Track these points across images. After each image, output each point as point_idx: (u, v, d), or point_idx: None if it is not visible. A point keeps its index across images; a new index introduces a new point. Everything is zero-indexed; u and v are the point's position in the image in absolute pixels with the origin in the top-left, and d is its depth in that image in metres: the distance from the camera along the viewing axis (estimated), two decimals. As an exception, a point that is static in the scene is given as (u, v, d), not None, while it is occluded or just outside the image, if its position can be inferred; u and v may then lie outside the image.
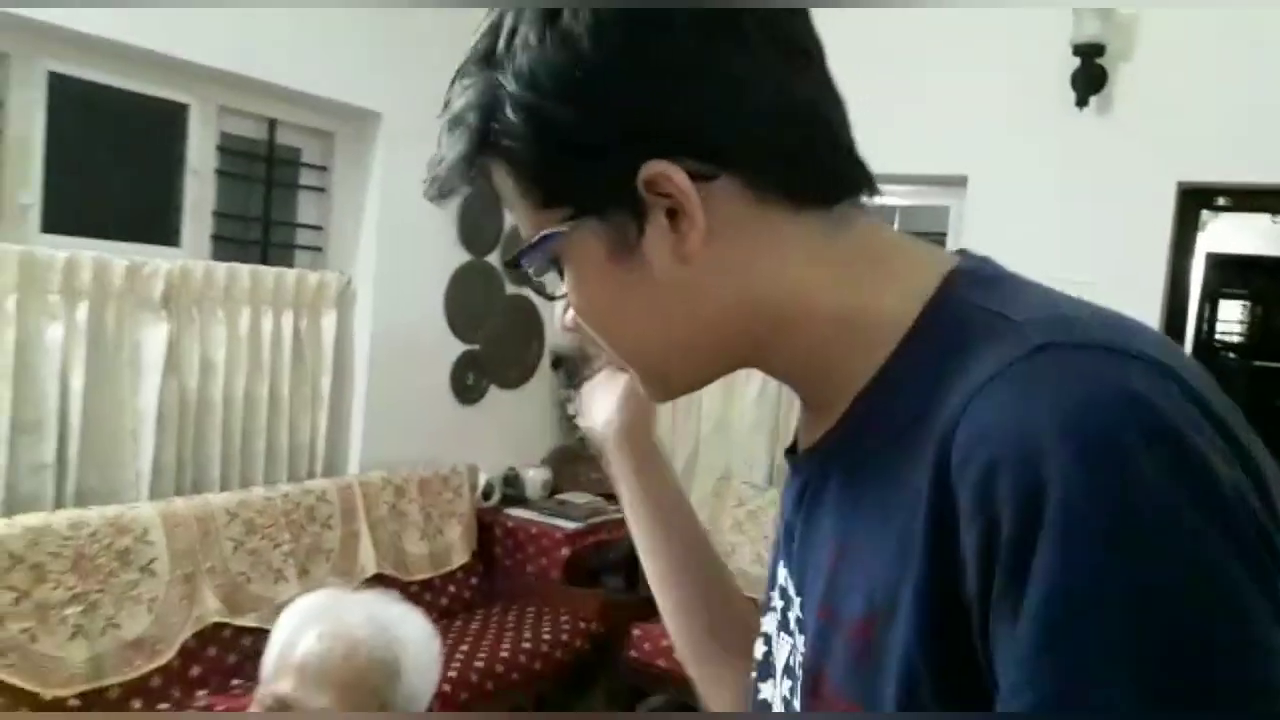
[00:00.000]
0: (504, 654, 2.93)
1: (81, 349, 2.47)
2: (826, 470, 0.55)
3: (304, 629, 1.13)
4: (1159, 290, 3.11)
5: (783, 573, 0.60)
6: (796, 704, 0.56)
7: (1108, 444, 0.40)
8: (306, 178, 3.19)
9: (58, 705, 2.18)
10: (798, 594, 0.58)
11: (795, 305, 0.53)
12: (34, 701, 2.14)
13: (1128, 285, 2.87)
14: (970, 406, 0.43)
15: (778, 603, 0.61)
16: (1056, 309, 0.48)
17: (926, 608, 0.44)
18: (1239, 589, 0.39)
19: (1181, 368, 0.44)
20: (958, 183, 3.36)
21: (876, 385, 0.51)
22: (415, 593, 3.09)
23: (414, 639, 1.16)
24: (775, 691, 0.60)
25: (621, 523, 3.32)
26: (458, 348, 3.59)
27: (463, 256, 3.54)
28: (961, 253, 0.55)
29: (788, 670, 0.58)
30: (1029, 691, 0.40)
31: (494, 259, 3.65)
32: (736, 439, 3.78)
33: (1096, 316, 0.47)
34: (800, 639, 0.56)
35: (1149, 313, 3.20)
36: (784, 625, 0.59)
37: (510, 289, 3.76)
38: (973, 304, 0.49)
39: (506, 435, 3.82)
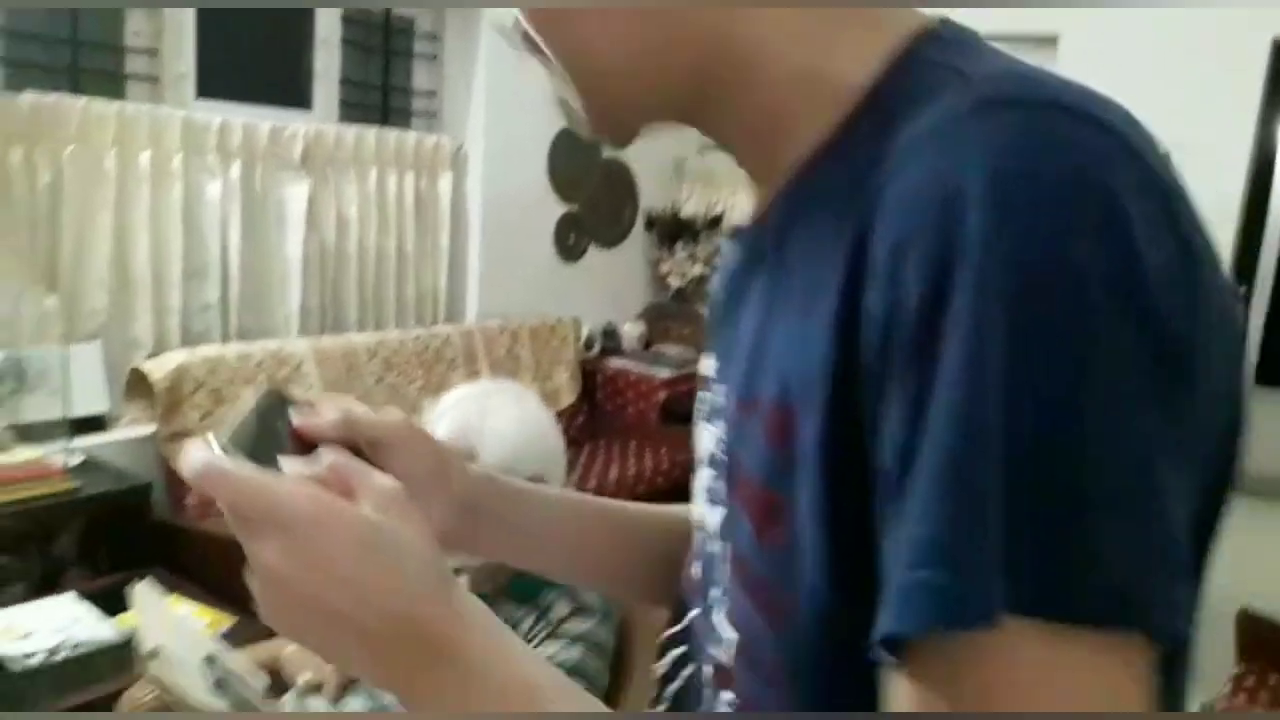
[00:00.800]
0: (612, 478, 3.26)
1: (237, 204, 2.77)
2: (760, 246, 0.50)
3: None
4: (1245, 154, 3.15)
5: (709, 360, 0.56)
6: (719, 492, 0.52)
7: (1030, 203, 0.35)
8: (420, 46, 3.40)
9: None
10: (719, 379, 0.53)
11: (758, 53, 0.47)
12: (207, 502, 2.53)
13: (1214, 149, 2.92)
14: (898, 166, 0.39)
15: (703, 392, 0.57)
16: (1018, 66, 0.43)
17: (832, 393, 0.40)
18: (1130, 402, 0.35)
19: (1149, 148, 0.39)
20: (1048, 43, 3.40)
21: (823, 151, 0.46)
22: (528, 429, 3.43)
23: (503, 422, 1.30)
24: (700, 484, 0.56)
25: None
26: (560, 209, 3.82)
27: (562, 122, 3.73)
28: (944, 21, 0.48)
29: (711, 460, 0.53)
30: (909, 481, 0.36)
31: (592, 123, 3.83)
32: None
33: (1067, 84, 0.40)
34: (721, 426, 0.52)
35: (1235, 176, 3.25)
36: (707, 414, 0.55)
37: (607, 153, 3.96)
38: (932, 61, 0.44)
39: (604, 292, 4.08)
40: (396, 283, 3.27)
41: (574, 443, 3.58)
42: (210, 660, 1.29)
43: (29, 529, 2.26)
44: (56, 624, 1.94)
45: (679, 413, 3.79)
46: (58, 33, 2.48)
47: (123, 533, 2.34)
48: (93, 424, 2.50)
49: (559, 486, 1.38)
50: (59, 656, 1.84)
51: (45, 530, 2.30)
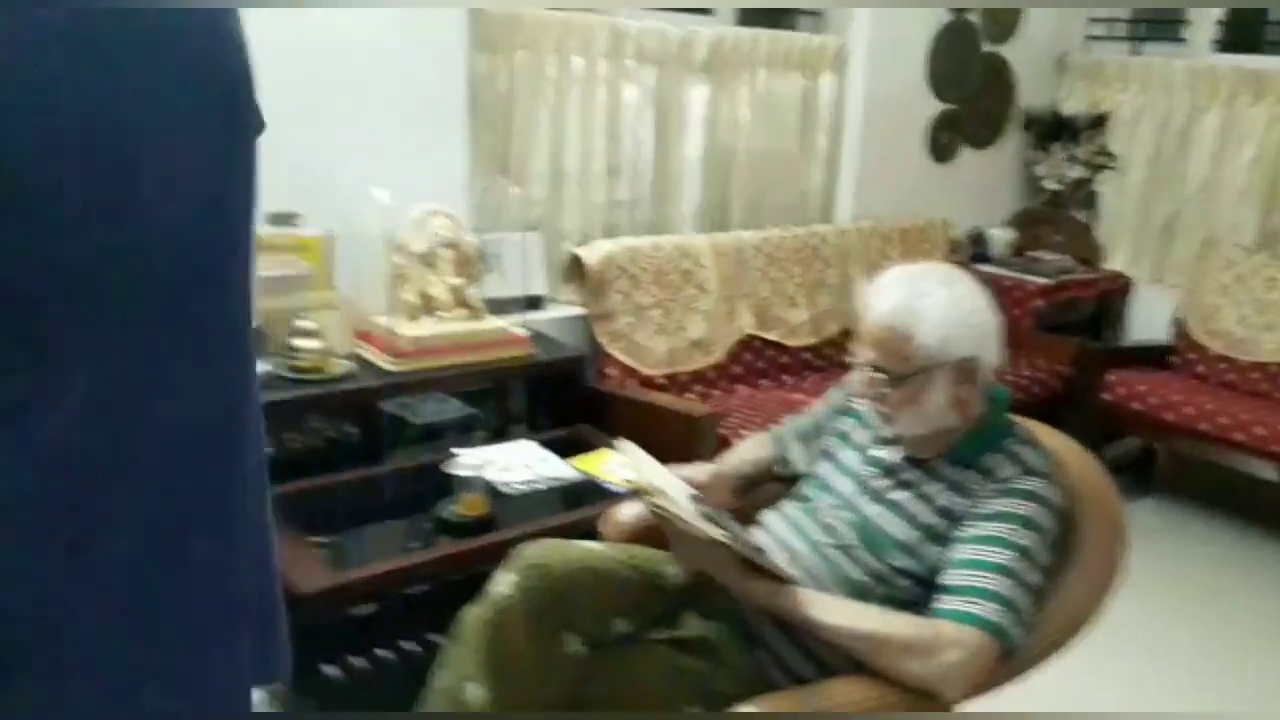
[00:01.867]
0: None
1: (651, 107, 3.03)
2: None
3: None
4: None
5: None
6: None
7: None
8: (809, -53, 3.46)
9: (649, 383, 2.87)
10: None
11: None
12: (637, 376, 2.85)
13: None
14: None
15: None
16: None
17: None
18: None
19: None
20: None
21: None
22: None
23: (936, 309, 1.39)
24: None
25: (1090, 282, 3.44)
26: (936, 107, 3.78)
27: (945, 15, 3.67)
28: None
29: None
30: None
31: (974, 16, 3.74)
32: (1224, 202, 3.68)
33: None
34: None
35: None
36: None
37: (987, 46, 3.84)
38: None
39: (974, 195, 4.01)
40: (778, 183, 3.42)
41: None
42: (695, 498, 1.53)
43: (492, 386, 2.68)
44: (525, 461, 2.33)
45: (1053, 322, 3.69)
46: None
47: (559, 395, 2.71)
48: (531, 303, 2.89)
49: (993, 367, 1.46)
50: (538, 487, 2.22)
51: (503, 389, 2.72)
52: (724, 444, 2.52)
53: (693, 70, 3.10)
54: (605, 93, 2.93)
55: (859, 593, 1.43)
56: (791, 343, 3.24)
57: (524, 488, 2.20)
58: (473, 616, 1.42)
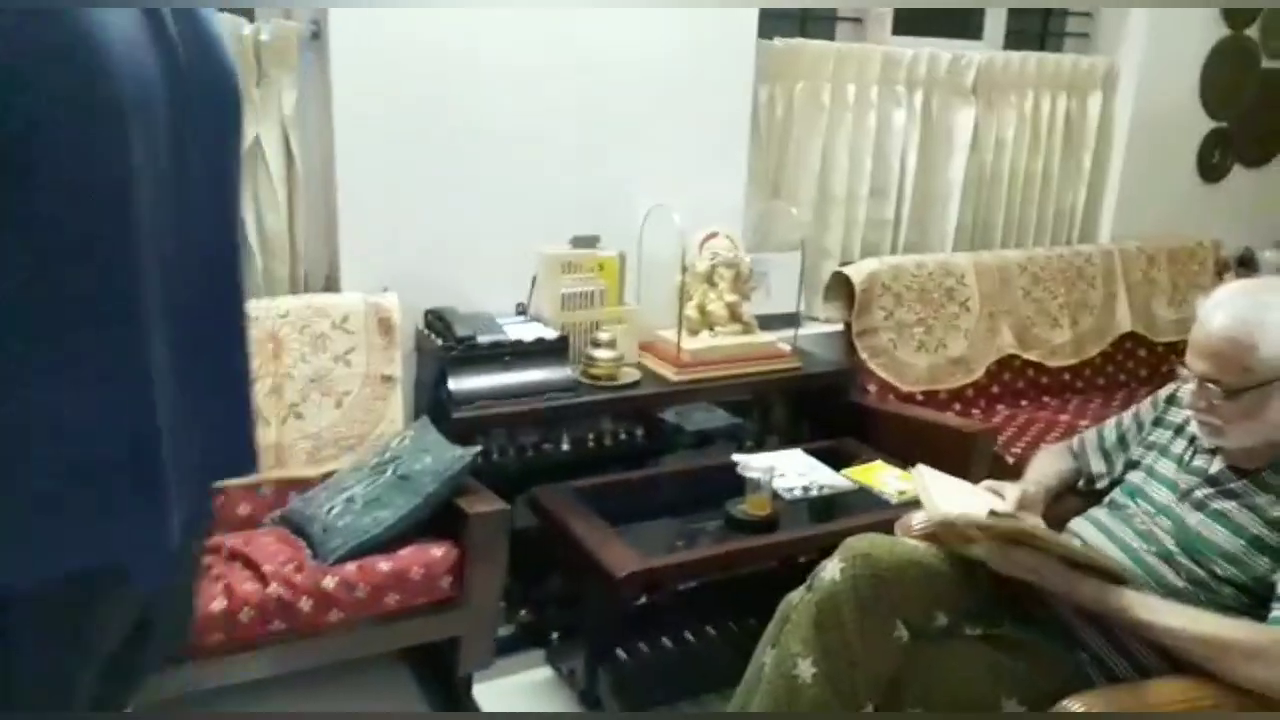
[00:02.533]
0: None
1: (917, 130, 3.10)
2: None
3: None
4: None
5: None
6: None
7: None
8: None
9: (908, 399, 2.93)
10: None
11: None
12: (895, 392, 2.92)
13: None
14: None
15: None
16: None
17: None
18: None
19: None
20: None
21: None
22: (1162, 354, 3.41)
23: (1275, 320, 1.41)
24: None
25: None
26: (1207, 125, 3.65)
27: (1222, 31, 3.54)
28: None
29: None
30: None
31: (1253, 31, 3.59)
32: None
33: None
34: None
35: None
36: None
37: (1267, 63, 3.67)
38: None
39: (1245, 214, 3.83)
40: (1039, 202, 3.40)
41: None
42: (994, 513, 1.60)
43: (756, 397, 2.83)
44: (799, 469, 2.46)
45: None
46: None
47: (821, 407, 2.82)
48: (789, 320, 3.02)
49: None
50: (813, 493, 2.34)
51: (766, 399, 2.86)
52: (997, 461, 2.56)
53: (960, 94, 3.15)
54: (874, 117, 3.03)
55: (1180, 600, 1.46)
56: (1052, 363, 3.22)
57: (800, 493, 2.33)
58: (803, 600, 1.55)
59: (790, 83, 2.90)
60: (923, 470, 1.79)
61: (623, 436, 2.55)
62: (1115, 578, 1.48)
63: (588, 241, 2.64)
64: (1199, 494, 1.54)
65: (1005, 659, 1.51)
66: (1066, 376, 3.26)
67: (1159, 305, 3.46)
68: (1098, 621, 1.48)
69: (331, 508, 2.02)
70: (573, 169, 2.63)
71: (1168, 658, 1.43)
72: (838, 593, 1.50)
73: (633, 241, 2.68)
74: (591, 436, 2.51)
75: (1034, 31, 3.41)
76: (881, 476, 2.42)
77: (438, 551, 1.93)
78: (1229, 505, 1.49)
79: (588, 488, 2.30)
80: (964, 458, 2.46)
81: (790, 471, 2.44)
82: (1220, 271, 3.68)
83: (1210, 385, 1.46)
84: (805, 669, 1.50)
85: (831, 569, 1.53)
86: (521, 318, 2.57)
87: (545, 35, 2.50)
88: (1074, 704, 1.37)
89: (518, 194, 2.57)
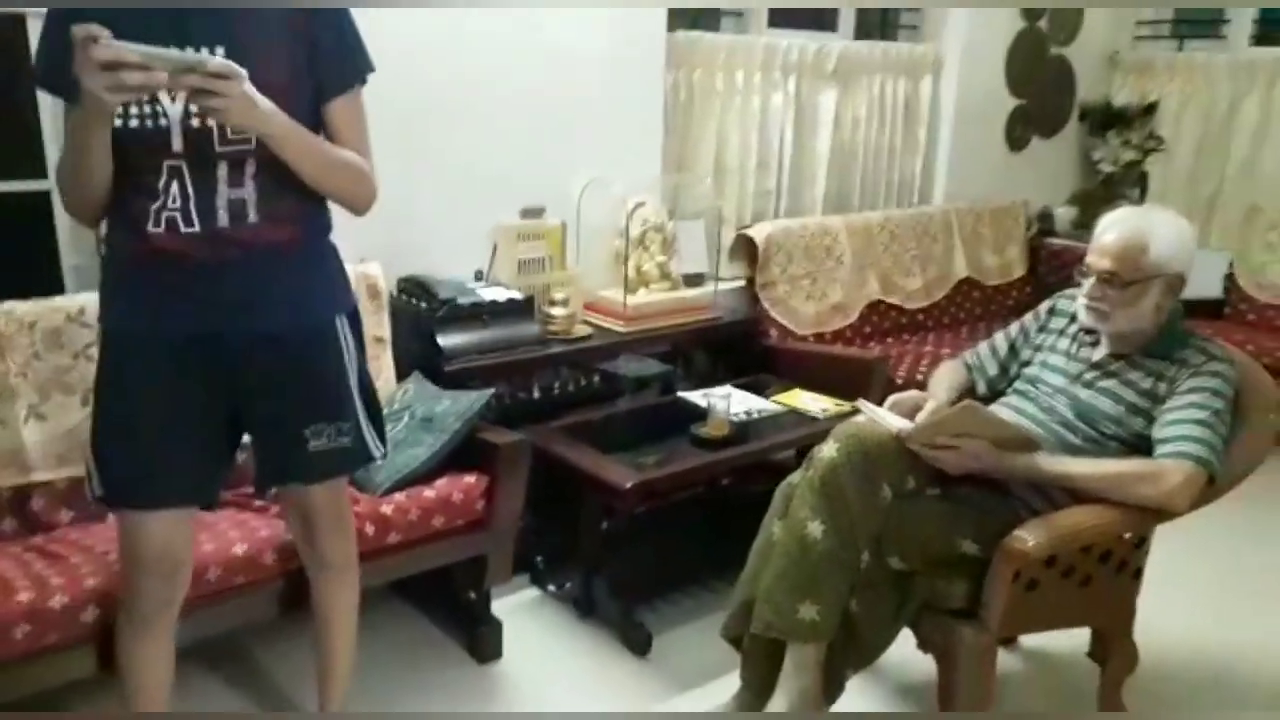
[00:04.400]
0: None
1: (792, 110, 3.59)
2: None
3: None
4: None
5: None
6: None
7: None
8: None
9: (802, 340, 3.42)
10: None
11: None
12: (792, 335, 3.39)
13: None
14: None
15: None
16: None
17: None
18: None
19: None
20: None
21: None
22: (990, 294, 4.08)
23: (1163, 231, 1.92)
24: None
25: None
26: (1011, 103, 4.35)
27: (1019, 24, 4.24)
28: None
29: None
30: None
31: (1043, 23, 4.31)
32: (1263, 176, 4.26)
33: None
34: None
35: None
36: None
37: (1054, 50, 4.41)
38: None
39: (1042, 178, 4.59)
40: (887, 171, 3.98)
41: (1027, 308, 4.18)
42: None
43: (678, 346, 3.22)
44: (736, 400, 2.88)
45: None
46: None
47: (736, 351, 3.25)
48: (694, 279, 3.43)
49: (1183, 280, 1.98)
50: (754, 417, 2.76)
51: (687, 347, 3.26)
52: (890, 385, 3.07)
53: (824, 78, 3.67)
54: (757, 100, 3.49)
55: (1081, 455, 1.97)
56: (909, 305, 3.80)
57: (745, 417, 2.75)
58: (805, 477, 1.96)
59: (690, 71, 3.31)
60: (863, 403, 2.19)
61: (583, 383, 2.89)
62: (1032, 445, 1.97)
63: (535, 212, 2.95)
64: (1087, 375, 2.06)
65: (959, 510, 1.98)
66: (920, 316, 3.85)
67: (986, 255, 4.12)
68: (1028, 480, 1.97)
69: (361, 453, 2.26)
70: (517, 149, 2.93)
71: (1074, 496, 1.94)
72: (837, 466, 1.92)
73: (570, 212, 3.01)
74: (556, 385, 2.84)
75: (876, 23, 3.97)
76: (802, 399, 2.88)
77: (470, 479, 2.22)
78: (1110, 382, 2.02)
79: (569, 426, 2.64)
80: (865, 381, 2.95)
81: (734, 402, 2.86)
82: (1029, 225, 4.40)
83: (1107, 279, 1.97)
84: (815, 528, 1.91)
85: (829, 449, 1.95)
86: (482, 283, 2.85)
87: (494, 29, 2.78)
88: (1021, 532, 1.84)
89: (471, 172, 2.84)
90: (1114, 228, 1.99)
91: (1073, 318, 2.15)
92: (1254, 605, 2.74)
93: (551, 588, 2.71)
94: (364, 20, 2.53)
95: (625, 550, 2.63)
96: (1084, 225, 4.58)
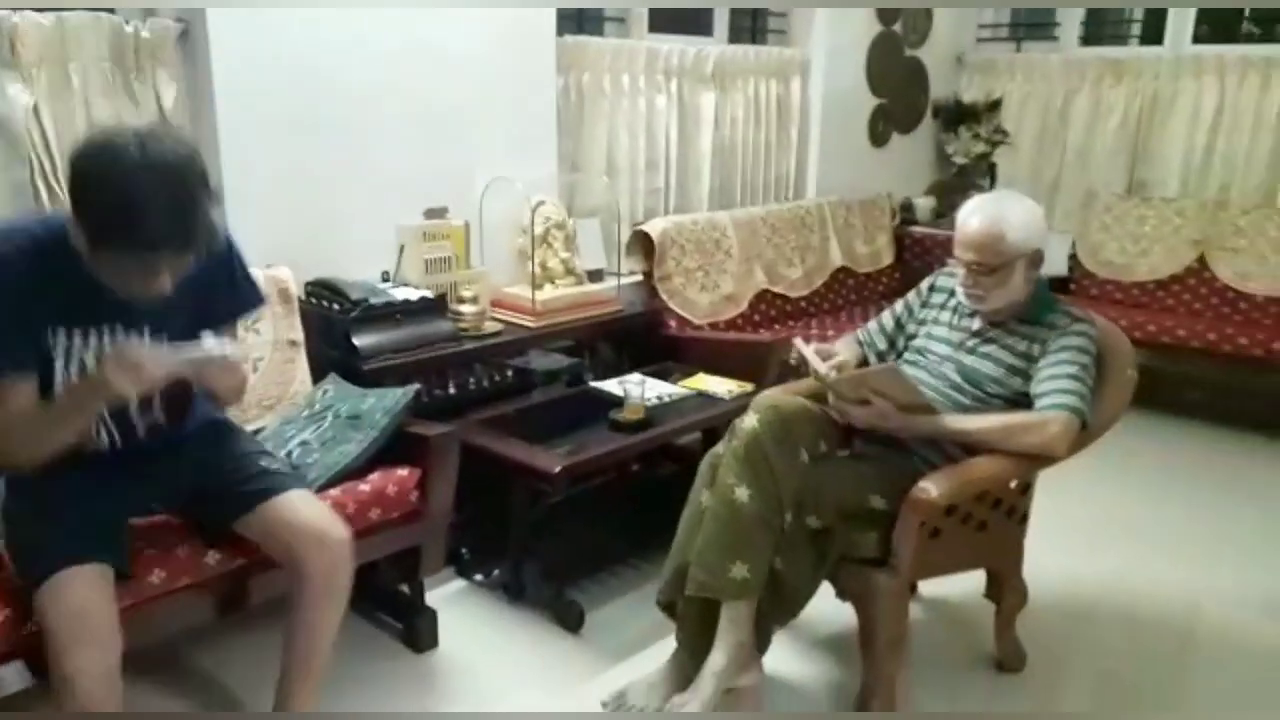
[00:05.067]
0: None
1: (675, 111, 3.75)
2: None
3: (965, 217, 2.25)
4: None
5: None
6: None
7: None
8: (772, -24, 4.27)
9: (698, 329, 3.57)
10: None
11: None
12: (689, 325, 3.55)
13: None
14: None
15: None
16: None
17: None
18: None
19: None
20: None
21: None
22: (863, 280, 4.35)
23: (1015, 217, 2.14)
24: None
25: None
26: (872, 101, 4.65)
27: (876, 27, 4.54)
28: None
29: None
30: None
31: (898, 26, 4.62)
32: (1097, 163, 4.69)
33: None
34: None
35: None
36: None
37: (908, 51, 4.74)
38: None
39: (902, 171, 4.91)
40: (764, 168, 4.20)
41: (895, 293, 4.48)
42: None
43: (582, 339, 3.32)
44: (640, 386, 3.00)
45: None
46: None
47: (635, 342, 3.38)
48: (594, 275, 3.55)
49: (1042, 254, 2.22)
50: (665, 400, 2.90)
51: (591, 339, 3.36)
52: (784, 366, 3.25)
53: (704, 81, 3.85)
54: (643, 102, 3.63)
55: (971, 414, 2.19)
56: (792, 294, 4.03)
57: (657, 401, 2.88)
58: (730, 447, 2.10)
59: (579, 74, 3.43)
60: (798, 342, 2.35)
61: (495, 379, 2.95)
62: (932, 411, 2.17)
63: (439, 213, 3.01)
64: (969, 343, 2.28)
65: (867, 468, 2.17)
66: (803, 304, 4.08)
67: (858, 244, 4.39)
68: (925, 437, 2.17)
69: (289, 452, 2.28)
70: (418, 151, 2.98)
71: (968, 450, 2.14)
72: (759, 434, 2.07)
73: (472, 212, 3.08)
74: (471, 380, 2.89)
75: (747, 28, 4.18)
76: (707, 383, 3.04)
77: (403, 472, 2.27)
78: (990, 348, 2.24)
79: (489, 419, 2.70)
80: (762, 364, 3.13)
81: (639, 388, 2.98)
82: (894, 215, 4.71)
83: (975, 267, 2.19)
84: (742, 493, 2.05)
85: (750, 420, 2.10)
86: (390, 284, 2.89)
87: (391, 36, 2.83)
88: (924, 483, 2.03)
89: (373, 175, 2.88)
90: (972, 219, 2.19)
91: (951, 293, 2.37)
92: (1115, 541, 3.05)
93: (479, 577, 2.77)
94: (266, 27, 2.57)
95: (551, 535, 2.73)
96: (942, 214, 4.94)
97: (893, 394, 2.14)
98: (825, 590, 2.17)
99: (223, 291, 1.85)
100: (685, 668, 2.20)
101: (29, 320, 1.59)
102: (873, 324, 2.58)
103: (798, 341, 2.31)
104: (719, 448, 2.19)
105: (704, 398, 2.94)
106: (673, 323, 3.52)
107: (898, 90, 4.76)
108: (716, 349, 3.32)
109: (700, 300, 3.64)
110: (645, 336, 3.40)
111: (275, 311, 2.55)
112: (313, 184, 2.76)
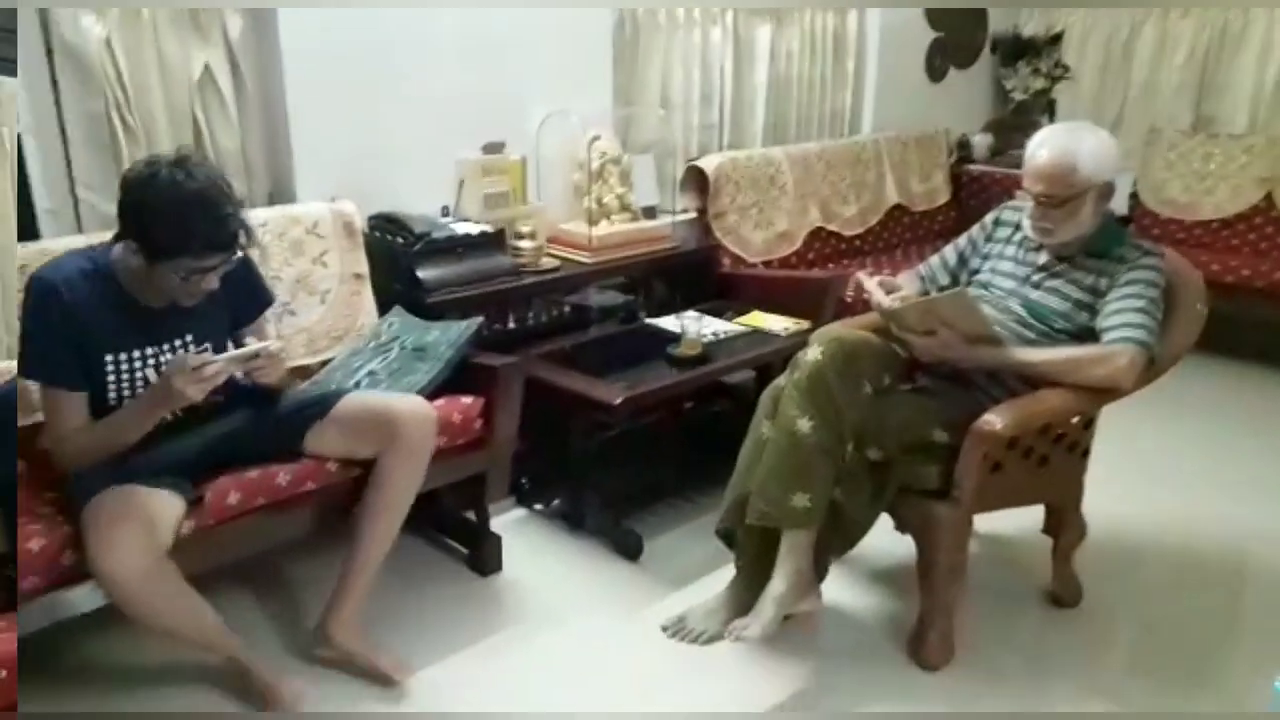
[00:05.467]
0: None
1: (730, 45, 3.70)
2: None
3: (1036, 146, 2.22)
4: None
5: None
6: None
7: None
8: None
9: (752, 267, 3.57)
10: None
11: None
12: (743, 263, 3.54)
13: None
14: None
15: None
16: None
17: None
18: None
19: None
20: None
21: None
22: (918, 219, 4.31)
23: (1087, 147, 2.10)
24: None
25: None
26: (930, 35, 4.55)
27: (935, -41, 4.43)
28: None
29: None
30: None
31: (957, -43, 4.51)
32: (1162, 99, 4.57)
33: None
34: None
35: None
36: None
37: (965, -16, 4.63)
38: None
39: (960, 107, 4.82)
40: (819, 103, 4.15)
41: (952, 232, 4.42)
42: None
43: (638, 276, 3.34)
44: (697, 323, 3.02)
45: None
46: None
47: (690, 280, 3.38)
48: (648, 211, 3.55)
49: (1113, 187, 2.18)
50: (721, 337, 2.91)
51: (646, 277, 3.37)
52: (841, 303, 3.25)
53: (759, 13, 3.79)
54: (699, 35, 3.59)
55: (1037, 347, 2.18)
56: (847, 232, 4.00)
57: (713, 338, 2.89)
58: (792, 380, 2.12)
59: (634, 6, 3.39)
60: (862, 275, 2.37)
61: (554, 314, 2.99)
62: (996, 340, 2.17)
63: (497, 147, 3.02)
64: (1035, 278, 2.26)
65: (930, 402, 2.18)
66: (857, 242, 4.05)
67: (914, 181, 4.34)
68: (988, 371, 2.17)
69: (357, 382, 2.33)
70: (474, 85, 2.98)
71: (1031, 384, 2.14)
72: (822, 366, 2.08)
73: (528, 147, 3.09)
74: (530, 315, 2.92)
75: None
76: (764, 320, 3.04)
77: (468, 400, 2.31)
78: (1057, 282, 2.22)
79: (549, 353, 2.74)
80: (820, 301, 3.12)
81: (693, 327, 2.99)
82: (950, 152, 4.63)
83: (1044, 199, 2.16)
84: (804, 424, 2.07)
85: (813, 352, 2.11)
86: (450, 218, 2.91)
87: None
88: (989, 415, 2.03)
89: (432, 109, 2.89)
90: (1042, 150, 2.15)
91: (1016, 227, 2.35)
92: (1170, 481, 3.04)
93: (539, 506, 2.83)
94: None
95: (608, 467, 2.77)
96: (1000, 151, 4.85)
97: (959, 323, 2.14)
98: (883, 523, 2.20)
99: (244, 296, 2.07)
100: (743, 595, 2.24)
101: (81, 344, 1.81)
102: (935, 259, 2.57)
103: (860, 275, 2.31)
104: (780, 379, 2.21)
105: (759, 334, 2.95)
106: (727, 260, 3.52)
107: (956, 24, 4.65)
108: (772, 286, 3.31)
109: (754, 238, 3.63)
110: (700, 274, 3.39)
111: (341, 245, 2.59)
112: (373, 119, 2.78)
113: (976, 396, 2.19)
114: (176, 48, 2.44)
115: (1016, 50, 4.87)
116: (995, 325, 2.23)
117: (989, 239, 2.45)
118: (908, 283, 2.53)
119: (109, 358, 1.86)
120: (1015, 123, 4.95)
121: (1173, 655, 2.24)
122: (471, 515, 2.52)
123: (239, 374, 1.88)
